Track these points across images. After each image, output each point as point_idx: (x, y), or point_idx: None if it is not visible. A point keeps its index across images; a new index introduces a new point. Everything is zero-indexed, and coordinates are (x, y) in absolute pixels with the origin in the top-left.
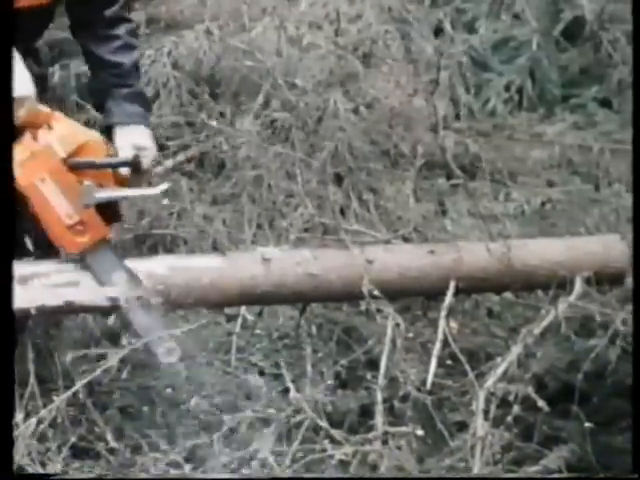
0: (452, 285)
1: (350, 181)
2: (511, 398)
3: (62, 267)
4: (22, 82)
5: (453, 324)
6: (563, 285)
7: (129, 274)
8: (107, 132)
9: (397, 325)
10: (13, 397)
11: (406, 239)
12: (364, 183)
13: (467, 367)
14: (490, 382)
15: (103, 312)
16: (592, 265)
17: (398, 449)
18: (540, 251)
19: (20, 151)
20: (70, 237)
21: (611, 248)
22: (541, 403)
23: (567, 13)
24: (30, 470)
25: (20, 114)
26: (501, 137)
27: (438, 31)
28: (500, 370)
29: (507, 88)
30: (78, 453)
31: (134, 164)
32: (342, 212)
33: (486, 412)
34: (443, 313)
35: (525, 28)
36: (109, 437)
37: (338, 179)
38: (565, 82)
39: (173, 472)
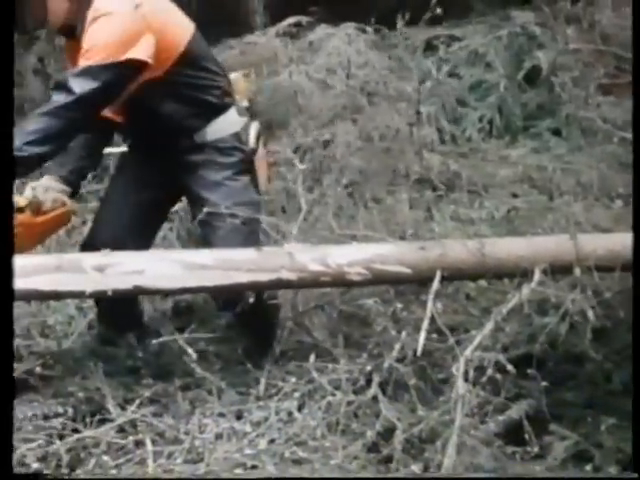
0: (438, 274)
1: (358, 193)
2: (485, 364)
3: (131, 258)
4: None
5: (439, 305)
6: (525, 275)
7: None
8: None
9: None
10: (12, 396)
11: (402, 238)
12: (369, 194)
13: (451, 339)
14: (468, 351)
15: (164, 294)
16: (548, 259)
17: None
18: (507, 248)
19: None
20: None
21: (562, 245)
22: (509, 367)
23: (527, 63)
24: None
25: None
26: (476, 158)
27: (426, 75)
28: (476, 342)
29: (480, 120)
30: None
31: None
32: (352, 217)
33: (465, 374)
34: (431, 296)
35: (494, 74)
36: None
37: (348, 191)
38: (525, 115)
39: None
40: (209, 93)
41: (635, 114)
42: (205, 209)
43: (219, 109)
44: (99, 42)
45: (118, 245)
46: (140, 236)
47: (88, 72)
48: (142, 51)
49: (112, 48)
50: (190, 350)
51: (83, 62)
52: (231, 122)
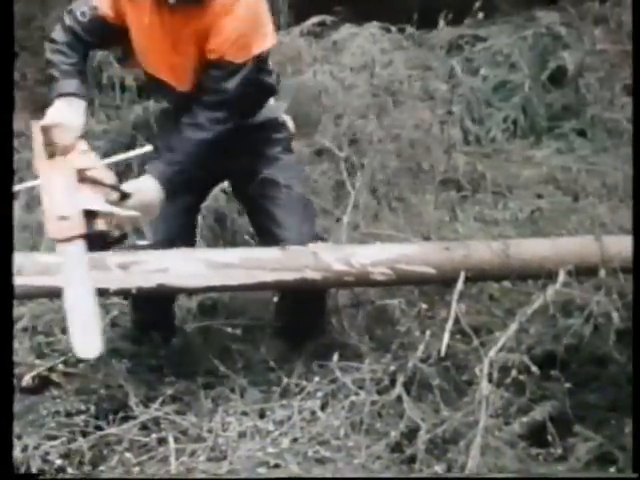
0: (462, 275)
1: (382, 192)
2: (509, 365)
3: (156, 256)
4: None
5: (462, 306)
6: (550, 276)
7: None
8: None
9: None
10: (12, 396)
11: (426, 238)
12: (393, 194)
13: (475, 340)
14: (493, 352)
15: (189, 293)
16: (572, 260)
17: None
18: (531, 249)
19: None
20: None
21: (587, 247)
22: (534, 368)
23: (552, 63)
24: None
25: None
26: (500, 159)
27: (451, 75)
28: (500, 343)
29: (505, 120)
30: None
31: None
32: (376, 216)
33: (489, 375)
34: (455, 297)
35: (519, 74)
36: None
37: (373, 190)
38: (550, 116)
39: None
40: (272, 77)
41: (635, 114)
42: (261, 177)
43: (274, 92)
44: (244, 33)
45: None
46: (189, 244)
47: (245, 80)
48: (273, 33)
49: (255, 39)
50: (230, 329)
51: (232, 56)
52: (277, 105)
